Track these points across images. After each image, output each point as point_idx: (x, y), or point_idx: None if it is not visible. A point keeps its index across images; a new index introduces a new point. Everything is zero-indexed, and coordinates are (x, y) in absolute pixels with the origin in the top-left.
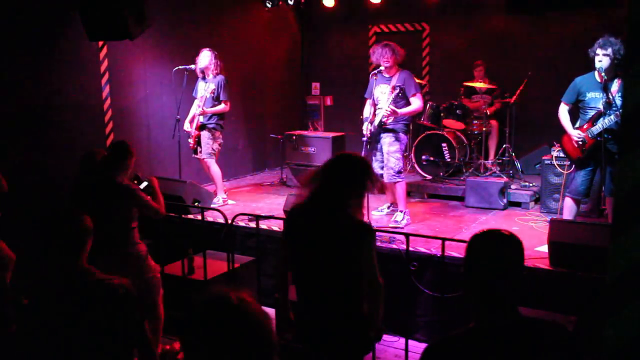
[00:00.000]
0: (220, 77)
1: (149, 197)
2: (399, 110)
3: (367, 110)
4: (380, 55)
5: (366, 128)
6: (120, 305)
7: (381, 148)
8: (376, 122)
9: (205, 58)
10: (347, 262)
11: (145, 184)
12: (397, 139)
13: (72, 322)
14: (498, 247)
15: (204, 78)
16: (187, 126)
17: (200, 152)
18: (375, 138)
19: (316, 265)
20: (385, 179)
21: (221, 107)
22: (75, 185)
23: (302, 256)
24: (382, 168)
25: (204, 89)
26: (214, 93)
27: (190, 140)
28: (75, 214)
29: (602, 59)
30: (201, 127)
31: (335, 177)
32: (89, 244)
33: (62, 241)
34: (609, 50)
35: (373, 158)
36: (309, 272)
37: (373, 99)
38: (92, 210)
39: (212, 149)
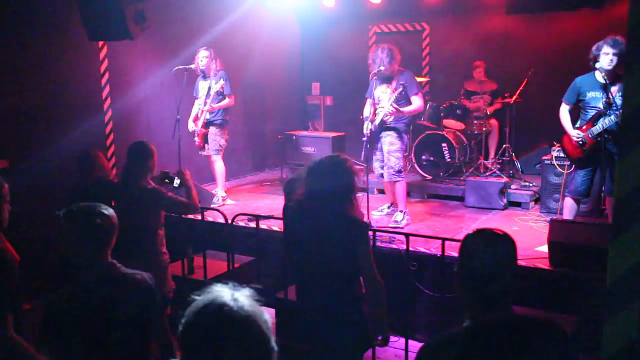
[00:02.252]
0: (222, 73)
1: (180, 196)
2: (402, 109)
3: (367, 110)
4: (379, 63)
5: (366, 127)
6: (142, 297)
7: (382, 147)
8: (377, 122)
9: (203, 60)
10: (342, 259)
11: (178, 181)
12: (398, 138)
13: (98, 314)
14: (491, 246)
15: (204, 77)
16: (191, 125)
17: (208, 149)
18: (375, 137)
19: (313, 262)
20: (386, 178)
21: (226, 101)
22: (77, 186)
23: (300, 254)
24: (382, 167)
25: (205, 87)
26: (220, 90)
27: (197, 139)
28: (101, 210)
29: (612, 58)
30: (207, 124)
31: (321, 180)
32: (114, 240)
33: (90, 237)
34: (618, 50)
35: (373, 157)
36: (307, 269)
37: (373, 99)
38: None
39: (220, 144)
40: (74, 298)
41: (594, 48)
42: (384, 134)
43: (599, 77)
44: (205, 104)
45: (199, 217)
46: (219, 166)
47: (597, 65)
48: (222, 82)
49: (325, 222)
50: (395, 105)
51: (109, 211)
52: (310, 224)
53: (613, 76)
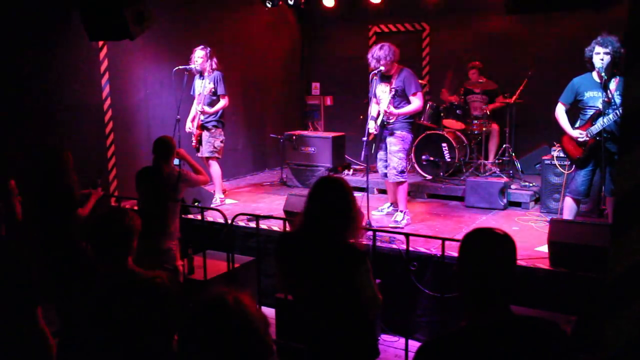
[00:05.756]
0: (217, 73)
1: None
2: (396, 111)
3: (373, 109)
4: (377, 60)
5: (372, 127)
6: (162, 302)
7: (386, 147)
8: (379, 122)
9: (200, 59)
10: (341, 290)
11: (177, 161)
12: (401, 139)
13: (118, 319)
14: (490, 246)
15: (200, 76)
16: (189, 125)
17: (203, 151)
18: (380, 137)
19: (312, 293)
20: (389, 179)
21: (221, 103)
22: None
23: (298, 284)
24: (386, 167)
25: (201, 86)
26: (212, 91)
27: (193, 139)
28: (125, 214)
29: (603, 57)
30: (201, 126)
31: (318, 204)
32: (135, 244)
33: (111, 242)
34: (609, 48)
35: (377, 157)
36: (307, 299)
37: (376, 98)
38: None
39: (214, 147)
40: (93, 303)
41: (586, 50)
42: (387, 134)
43: (596, 76)
44: (199, 103)
45: (199, 217)
46: (214, 169)
47: (596, 66)
48: (211, 85)
49: (322, 253)
50: (391, 107)
51: (132, 214)
52: (307, 256)
53: (610, 74)
